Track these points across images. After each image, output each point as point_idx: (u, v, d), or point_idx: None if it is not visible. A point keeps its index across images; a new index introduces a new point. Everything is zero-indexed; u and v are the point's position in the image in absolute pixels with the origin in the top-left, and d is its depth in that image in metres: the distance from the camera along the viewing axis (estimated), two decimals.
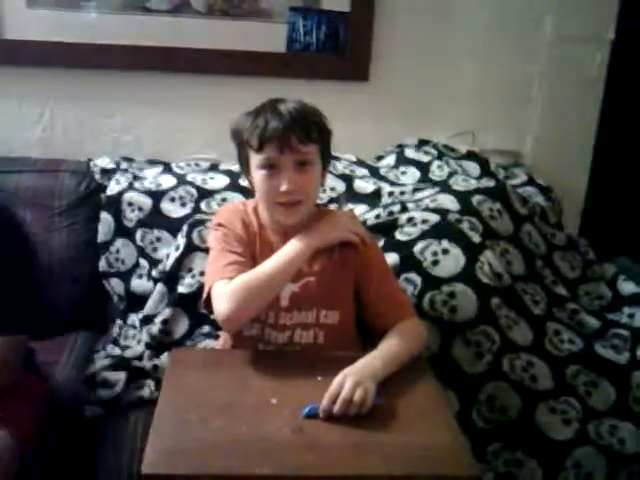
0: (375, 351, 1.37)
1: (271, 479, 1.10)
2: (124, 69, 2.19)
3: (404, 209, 1.90)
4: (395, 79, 2.30)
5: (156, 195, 2.00)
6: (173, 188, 2.01)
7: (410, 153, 2.23)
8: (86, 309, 2.03)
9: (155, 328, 1.79)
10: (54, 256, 1.99)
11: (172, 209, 1.98)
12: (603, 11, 2.29)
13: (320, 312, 1.48)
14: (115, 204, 2.01)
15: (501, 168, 2.27)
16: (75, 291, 2.01)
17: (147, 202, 1.99)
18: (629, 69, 2.37)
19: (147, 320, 1.84)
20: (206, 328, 1.78)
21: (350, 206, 1.97)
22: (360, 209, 1.96)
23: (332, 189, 2.04)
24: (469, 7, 2.27)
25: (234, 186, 2.01)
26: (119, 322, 1.96)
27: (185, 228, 1.88)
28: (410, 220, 1.86)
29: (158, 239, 1.97)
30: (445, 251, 1.77)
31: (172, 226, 1.95)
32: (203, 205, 1.98)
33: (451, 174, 2.10)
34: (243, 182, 2.00)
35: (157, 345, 1.78)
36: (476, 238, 1.82)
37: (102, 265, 2.01)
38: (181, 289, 1.80)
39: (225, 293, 1.37)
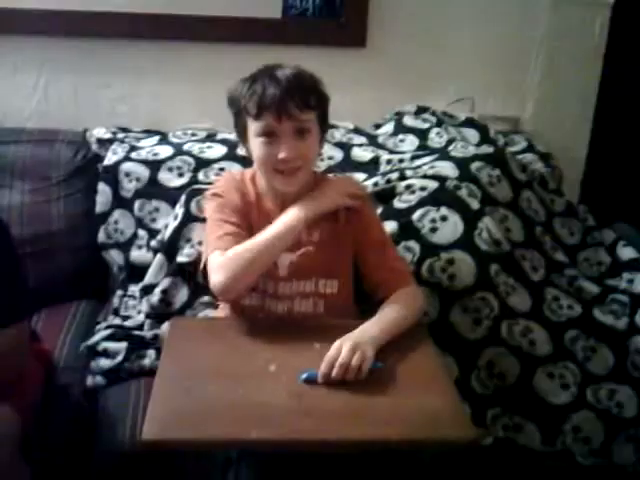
0: (373, 318, 1.37)
1: (269, 444, 1.11)
2: (119, 38, 2.17)
3: (402, 177, 1.89)
4: (393, 45, 2.27)
5: (153, 165, 1.99)
6: (170, 158, 2.00)
7: (408, 121, 2.22)
8: (86, 280, 2.04)
9: (155, 298, 1.80)
10: (53, 226, 1.99)
11: (170, 179, 1.98)
12: None
13: (319, 281, 1.48)
14: (112, 175, 2.00)
15: (500, 135, 2.26)
16: (75, 262, 2.01)
17: (144, 172, 1.98)
18: (629, 33, 2.34)
19: (147, 290, 1.84)
20: (205, 298, 1.78)
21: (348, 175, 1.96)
22: (358, 177, 1.95)
23: (330, 158, 2.03)
24: None
25: (231, 155, 2.00)
26: (119, 292, 1.96)
27: (183, 198, 1.88)
28: (408, 187, 1.85)
29: (156, 209, 1.96)
30: (444, 218, 1.76)
31: (170, 196, 1.95)
32: (201, 175, 1.97)
33: (450, 141, 2.09)
34: (241, 151, 1.99)
35: (157, 315, 1.79)
36: (475, 205, 1.81)
37: (101, 236, 2.01)
38: (180, 259, 1.80)
39: (219, 264, 1.37)
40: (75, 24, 2.12)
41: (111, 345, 1.73)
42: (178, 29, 2.17)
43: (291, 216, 1.42)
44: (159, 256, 1.85)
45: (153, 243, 1.92)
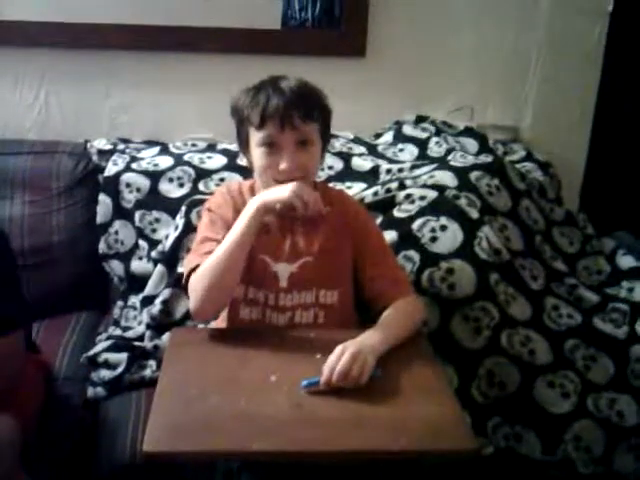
0: (374, 327, 1.37)
1: (270, 455, 1.11)
2: (120, 49, 2.18)
3: (402, 186, 1.89)
4: (392, 55, 2.28)
5: (154, 176, 2.00)
6: (171, 168, 2.01)
7: (408, 130, 2.23)
8: (87, 290, 2.04)
9: (155, 309, 1.80)
10: (54, 237, 1.99)
11: (170, 189, 1.98)
12: None
13: (319, 292, 1.48)
14: (113, 185, 2.01)
15: (499, 144, 2.27)
16: (75, 272, 2.02)
17: (145, 183, 1.99)
18: (628, 42, 2.35)
19: (147, 301, 1.84)
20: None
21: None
22: (358, 187, 1.96)
23: (330, 167, 2.04)
24: None
25: (232, 166, 2.01)
26: (120, 303, 1.97)
27: (184, 208, 1.89)
28: (408, 197, 1.85)
29: (157, 220, 1.97)
30: (443, 227, 1.77)
31: (170, 207, 1.95)
32: (201, 185, 1.98)
33: (449, 150, 2.10)
34: (241, 161, 2.00)
35: (158, 326, 1.79)
36: (474, 214, 1.82)
37: (102, 247, 2.02)
38: (181, 269, 1.80)
39: (190, 288, 1.39)
40: (76, 36, 2.13)
41: (112, 356, 1.73)
42: (178, 40, 2.17)
43: (243, 216, 1.40)
44: (160, 267, 1.85)
45: (154, 254, 1.92)
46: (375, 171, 2.04)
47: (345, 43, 2.24)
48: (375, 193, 1.89)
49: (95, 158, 2.09)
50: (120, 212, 2.00)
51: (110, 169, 2.03)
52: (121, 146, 2.13)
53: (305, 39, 2.23)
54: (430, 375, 1.32)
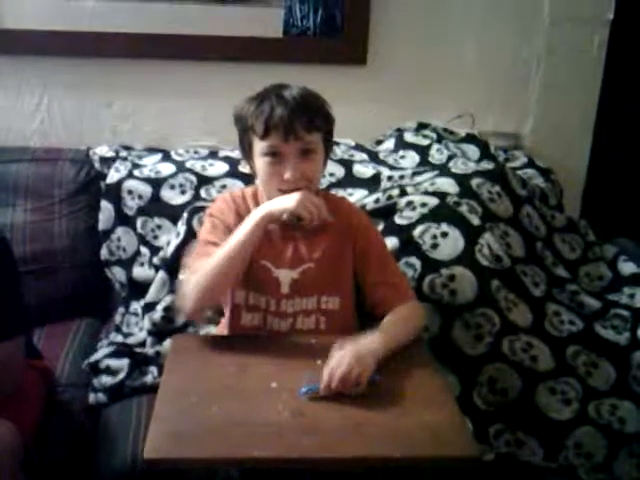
0: (374, 332, 1.38)
1: (270, 462, 1.11)
2: (122, 57, 2.19)
3: (403, 193, 1.90)
4: (393, 62, 2.29)
5: (156, 183, 2.00)
6: (172, 175, 2.01)
7: (409, 137, 2.23)
8: (88, 297, 2.04)
9: (157, 315, 1.81)
10: (56, 244, 2.00)
11: (172, 196, 1.99)
12: None
13: (321, 298, 1.48)
14: (115, 192, 2.01)
15: (501, 150, 2.27)
16: (77, 279, 2.02)
17: (147, 190, 1.99)
18: (628, 49, 2.36)
19: (149, 307, 1.85)
20: (207, 314, 1.78)
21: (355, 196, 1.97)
22: (359, 194, 1.97)
23: (331, 174, 2.04)
24: None
25: (233, 173, 2.02)
26: (121, 310, 1.97)
27: (185, 215, 1.89)
28: (409, 204, 1.86)
29: (159, 227, 1.97)
30: (444, 234, 1.77)
31: (172, 213, 1.96)
32: (203, 192, 1.98)
33: (450, 157, 2.10)
34: (243, 168, 2.00)
35: (159, 332, 1.79)
36: (475, 221, 1.82)
37: (104, 253, 2.02)
38: (182, 276, 1.80)
39: (184, 291, 1.41)
40: (77, 44, 2.14)
41: (113, 362, 1.74)
42: (180, 48, 2.18)
43: (247, 223, 1.40)
44: (161, 273, 1.86)
45: (155, 260, 1.93)
46: (376, 178, 2.04)
47: (346, 51, 2.25)
48: (376, 200, 1.90)
49: (97, 165, 2.10)
50: (122, 219, 2.01)
51: (112, 176, 2.04)
52: (123, 153, 2.14)
53: (307, 47, 2.23)
54: (430, 382, 1.32)
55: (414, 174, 2.02)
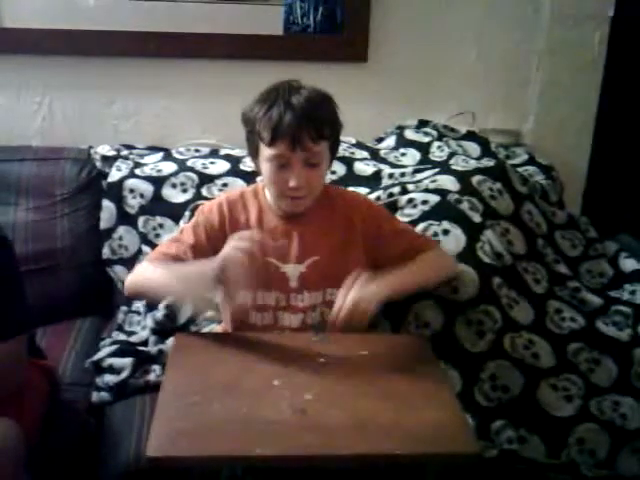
0: (384, 273, 1.43)
1: (273, 460, 1.11)
2: (123, 56, 2.19)
3: (404, 190, 1.90)
4: (394, 60, 2.29)
5: (157, 181, 2.01)
6: (174, 174, 2.02)
7: (410, 134, 2.23)
8: (91, 296, 2.04)
9: (160, 314, 1.81)
10: (58, 243, 2.00)
11: (173, 195, 1.99)
12: None
13: (328, 291, 1.49)
14: (117, 191, 2.02)
15: (502, 148, 2.27)
16: (79, 278, 2.02)
17: (148, 188, 2.00)
18: (629, 47, 2.35)
19: (151, 306, 1.85)
20: (209, 313, 1.78)
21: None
22: (360, 191, 1.96)
23: (333, 172, 2.04)
24: None
25: (235, 171, 2.02)
26: (124, 308, 1.97)
27: (187, 214, 1.90)
28: (410, 201, 1.86)
29: (160, 225, 1.98)
30: (446, 231, 1.77)
31: (174, 212, 1.96)
32: (204, 190, 1.99)
33: (451, 155, 2.10)
34: (244, 167, 2.01)
35: (162, 330, 1.80)
36: (476, 218, 1.82)
37: (106, 252, 2.03)
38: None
39: (132, 274, 1.54)
40: (79, 43, 2.15)
41: (116, 361, 1.73)
42: (181, 47, 2.18)
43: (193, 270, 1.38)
44: None
45: None
46: (377, 176, 2.05)
47: (347, 48, 2.25)
48: (377, 198, 1.90)
49: (99, 164, 2.10)
50: (124, 218, 2.01)
51: (114, 175, 2.04)
52: (125, 152, 2.14)
53: (307, 45, 2.23)
54: (432, 379, 1.32)
55: (415, 172, 2.02)
